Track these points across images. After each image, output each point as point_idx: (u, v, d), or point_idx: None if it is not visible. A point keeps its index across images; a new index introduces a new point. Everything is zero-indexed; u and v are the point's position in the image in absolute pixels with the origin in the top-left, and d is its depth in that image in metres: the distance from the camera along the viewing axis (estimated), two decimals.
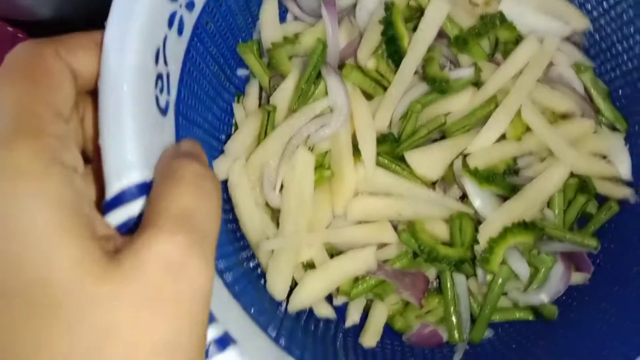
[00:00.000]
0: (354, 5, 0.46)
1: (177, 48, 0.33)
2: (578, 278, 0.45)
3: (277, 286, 0.41)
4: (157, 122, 0.31)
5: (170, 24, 0.32)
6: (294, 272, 0.42)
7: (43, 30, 0.53)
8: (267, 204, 0.43)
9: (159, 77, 0.31)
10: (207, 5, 0.36)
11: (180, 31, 0.33)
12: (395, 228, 0.44)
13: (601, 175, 0.45)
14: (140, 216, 0.28)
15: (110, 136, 0.27)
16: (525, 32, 0.46)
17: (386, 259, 0.44)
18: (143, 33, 0.29)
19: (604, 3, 0.43)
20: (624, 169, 0.45)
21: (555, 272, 0.44)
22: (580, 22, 0.45)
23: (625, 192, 0.45)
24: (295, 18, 0.46)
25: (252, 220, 0.42)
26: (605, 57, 0.46)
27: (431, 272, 0.46)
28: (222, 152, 0.43)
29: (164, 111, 0.32)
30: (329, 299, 0.45)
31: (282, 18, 0.46)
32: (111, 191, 0.27)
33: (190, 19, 0.34)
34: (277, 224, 0.43)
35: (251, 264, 0.43)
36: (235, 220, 0.43)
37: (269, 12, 0.43)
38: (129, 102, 0.28)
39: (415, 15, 0.47)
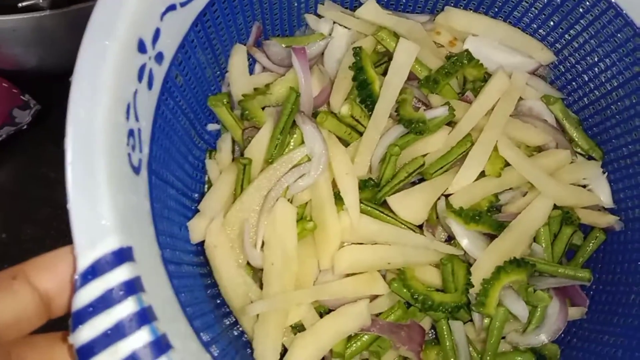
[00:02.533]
0: (322, 53, 0.45)
1: (147, 103, 0.31)
2: (575, 313, 0.43)
3: (266, 355, 0.37)
4: (131, 181, 0.28)
5: (140, 77, 0.30)
6: (283, 337, 0.39)
7: (27, 79, 0.54)
8: (248, 264, 0.40)
9: (131, 133, 0.29)
10: (176, 58, 0.34)
11: (150, 85, 0.31)
12: (383, 277, 0.42)
13: (584, 204, 0.45)
14: (119, 288, 0.24)
15: (80, 198, 0.24)
16: (492, 69, 0.46)
17: (378, 312, 0.42)
18: (113, 87, 0.27)
19: (566, 35, 0.44)
20: (605, 196, 0.45)
21: (552, 309, 0.42)
22: (544, 55, 0.46)
23: (610, 220, 0.44)
24: (264, 69, 0.44)
25: (234, 284, 0.39)
26: (572, 88, 0.46)
27: (426, 322, 0.43)
28: (196, 211, 0.40)
29: (137, 169, 0.29)
30: None
31: (251, 70, 0.44)
32: (84, 262, 0.24)
33: (159, 72, 0.32)
34: (261, 285, 0.39)
35: (235, 332, 0.39)
36: (215, 284, 0.39)
37: (238, 64, 0.41)
38: (102, 161, 0.25)
39: (383, 59, 0.47)
